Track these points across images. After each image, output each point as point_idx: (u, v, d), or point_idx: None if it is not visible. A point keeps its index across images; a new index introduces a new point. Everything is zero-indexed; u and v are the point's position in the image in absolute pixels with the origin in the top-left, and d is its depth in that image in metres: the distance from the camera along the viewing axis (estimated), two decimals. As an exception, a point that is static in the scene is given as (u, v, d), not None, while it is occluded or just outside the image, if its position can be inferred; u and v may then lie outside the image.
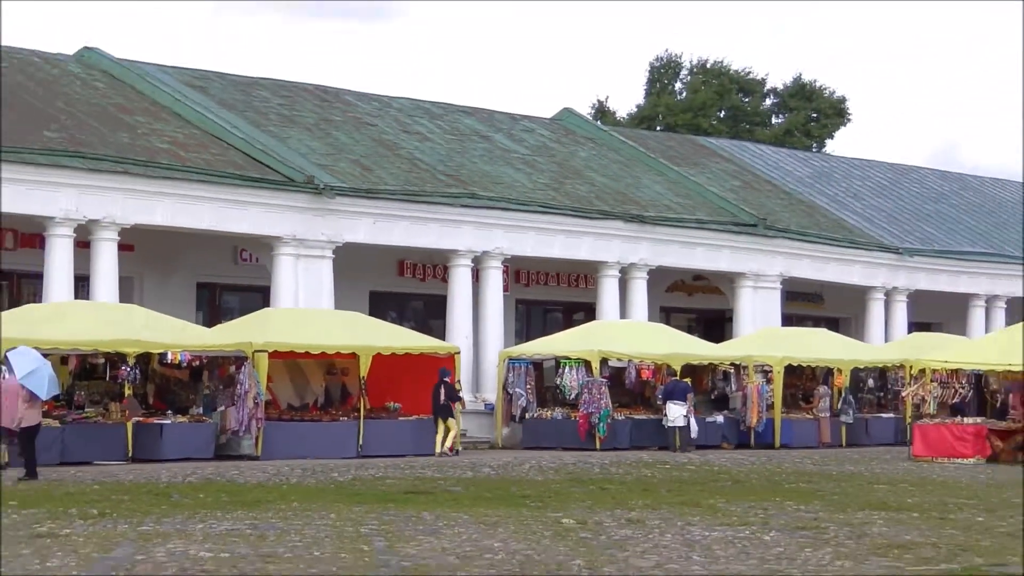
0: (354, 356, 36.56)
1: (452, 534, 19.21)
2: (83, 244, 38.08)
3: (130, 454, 33.02)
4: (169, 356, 34.39)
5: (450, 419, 38.40)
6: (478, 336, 44.72)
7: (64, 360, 32.80)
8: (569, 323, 47.74)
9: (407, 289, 47.71)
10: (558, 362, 42.10)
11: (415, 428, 37.34)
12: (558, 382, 41.84)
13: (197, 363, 35.55)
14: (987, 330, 55.70)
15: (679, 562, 16.94)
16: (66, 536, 18.37)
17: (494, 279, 45.36)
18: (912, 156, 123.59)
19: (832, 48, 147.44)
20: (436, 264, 46.27)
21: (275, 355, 35.83)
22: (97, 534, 18.72)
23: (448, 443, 38.00)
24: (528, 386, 41.84)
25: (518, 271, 48.58)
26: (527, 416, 41.51)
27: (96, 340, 33.20)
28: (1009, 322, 54.18)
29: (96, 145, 39.20)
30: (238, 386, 34.50)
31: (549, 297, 51.46)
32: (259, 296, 41.96)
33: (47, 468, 28.52)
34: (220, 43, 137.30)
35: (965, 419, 40.24)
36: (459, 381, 38.99)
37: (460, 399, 38.52)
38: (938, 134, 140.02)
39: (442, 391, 38.41)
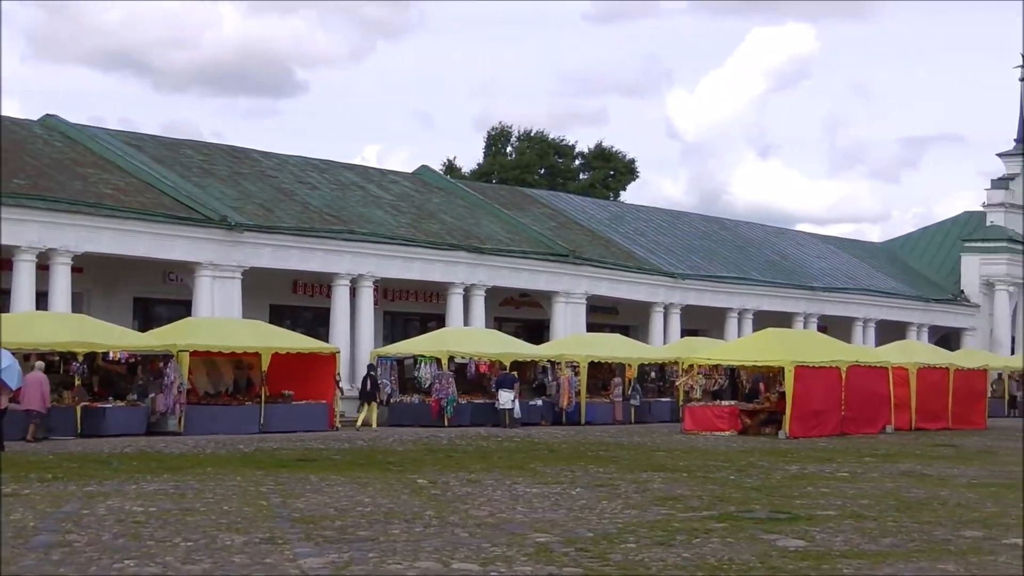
0: (257, 355, 36.14)
1: (332, 492, 18.99)
2: (43, 267, 37.41)
3: (79, 431, 32.29)
4: (111, 354, 33.91)
5: (372, 403, 39.48)
6: (354, 339, 44.47)
7: (27, 357, 31.98)
8: (425, 329, 47.48)
9: (300, 303, 47.26)
10: (416, 359, 41.92)
11: (305, 410, 36.88)
12: (416, 374, 41.68)
13: (133, 360, 35.14)
14: (739, 335, 56.35)
15: (507, 512, 16.84)
16: (26, 495, 17.89)
17: (367, 295, 45.14)
18: (683, 204, 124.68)
19: (627, 121, 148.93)
20: (322, 284, 45.83)
21: (195, 354, 35.33)
22: (51, 493, 18.27)
23: (372, 421, 39.13)
24: (392, 377, 41.66)
25: (385, 289, 48.35)
26: (392, 401, 41.23)
27: (53, 342, 32.67)
28: (755, 329, 54.90)
29: (55, 190, 38.47)
30: (165, 378, 34.04)
31: (409, 309, 51.25)
32: (183, 308, 41.29)
33: (12, 442, 27.78)
34: (154, 112, 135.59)
35: (723, 402, 40.63)
36: (339, 373, 38.72)
37: (339, 386, 38.44)
38: (702, 188, 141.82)
39: (368, 381, 39.68)
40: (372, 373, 40.35)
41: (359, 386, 41.33)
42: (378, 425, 39.43)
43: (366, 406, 39.80)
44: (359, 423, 39.19)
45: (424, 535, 14.52)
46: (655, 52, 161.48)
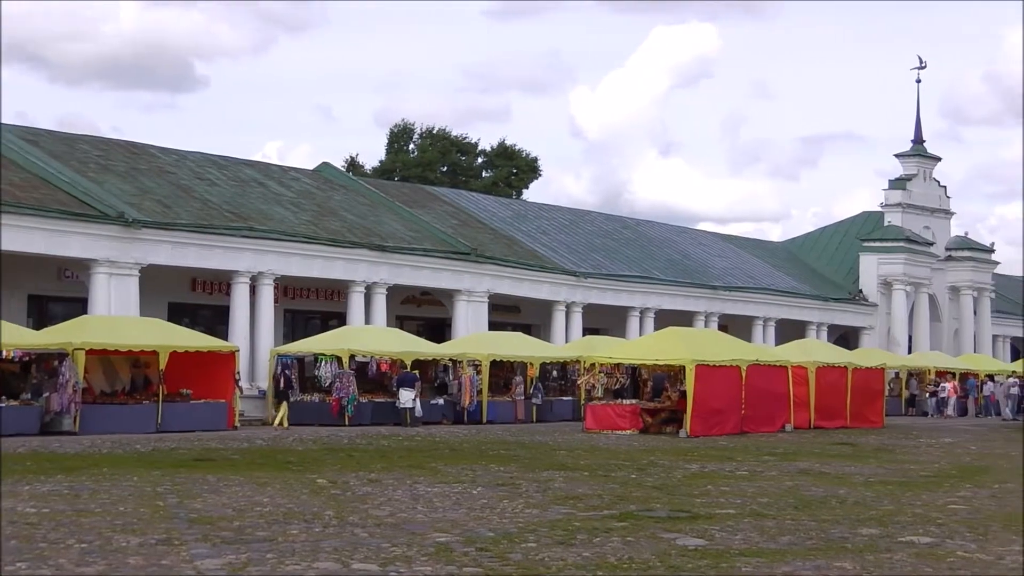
0: (154, 353, 35.74)
1: (231, 492, 18.80)
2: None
3: (-28, 430, 31.74)
4: (4, 353, 33.27)
5: (284, 402, 39.44)
6: (254, 337, 44.14)
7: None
8: (326, 327, 47.24)
9: (198, 301, 46.82)
10: (316, 357, 41.67)
11: (203, 409, 36.52)
12: (316, 373, 41.41)
13: (27, 359, 34.45)
14: (640, 333, 56.66)
15: (407, 512, 16.79)
16: (-85, 497, 17.52)
17: (267, 293, 44.82)
18: (586, 202, 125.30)
19: (530, 119, 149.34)
20: (222, 281, 45.42)
21: (91, 352, 34.88)
22: (-59, 495, 17.89)
23: (285, 420, 39.06)
24: (293, 376, 41.38)
25: (286, 287, 48.02)
26: (292, 399, 40.99)
27: (-55, 340, 32.01)
28: (656, 328, 55.25)
29: (-53, 185, 37.76)
30: (60, 376, 33.56)
31: (310, 307, 50.95)
32: (79, 306, 40.74)
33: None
34: (50, 106, 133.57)
35: (624, 401, 40.84)
36: (239, 372, 38.36)
37: (238, 385, 38.13)
38: (605, 186, 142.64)
39: (282, 379, 39.92)
40: (287, 372, 40.18)
41: (260, 385, 40.95)
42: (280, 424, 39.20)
43: (280, 405, 39.74)
44: (276, 421, 39.13)
45: (323, 535, 14.43)
46: (558, 49, 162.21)
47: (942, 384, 60.07)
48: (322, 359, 41.17)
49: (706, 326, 60.97)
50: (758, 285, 68.38)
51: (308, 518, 15.88)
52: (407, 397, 40.50)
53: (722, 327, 60.62)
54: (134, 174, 45.74)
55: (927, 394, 60.43)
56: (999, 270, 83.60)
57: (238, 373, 38.26)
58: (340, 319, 48.33)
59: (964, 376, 63.53)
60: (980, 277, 78.81)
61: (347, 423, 39.33)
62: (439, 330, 53.29)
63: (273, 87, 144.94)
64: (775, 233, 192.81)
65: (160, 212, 42.65)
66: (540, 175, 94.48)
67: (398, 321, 51.38)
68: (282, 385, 40.14)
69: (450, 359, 44.54)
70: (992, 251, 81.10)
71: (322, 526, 15.21)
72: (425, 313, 54.74)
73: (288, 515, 16.13)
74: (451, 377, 44.24)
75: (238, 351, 38.95)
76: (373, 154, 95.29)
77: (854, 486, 21.62)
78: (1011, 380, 61.57)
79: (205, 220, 43.68)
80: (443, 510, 17.03)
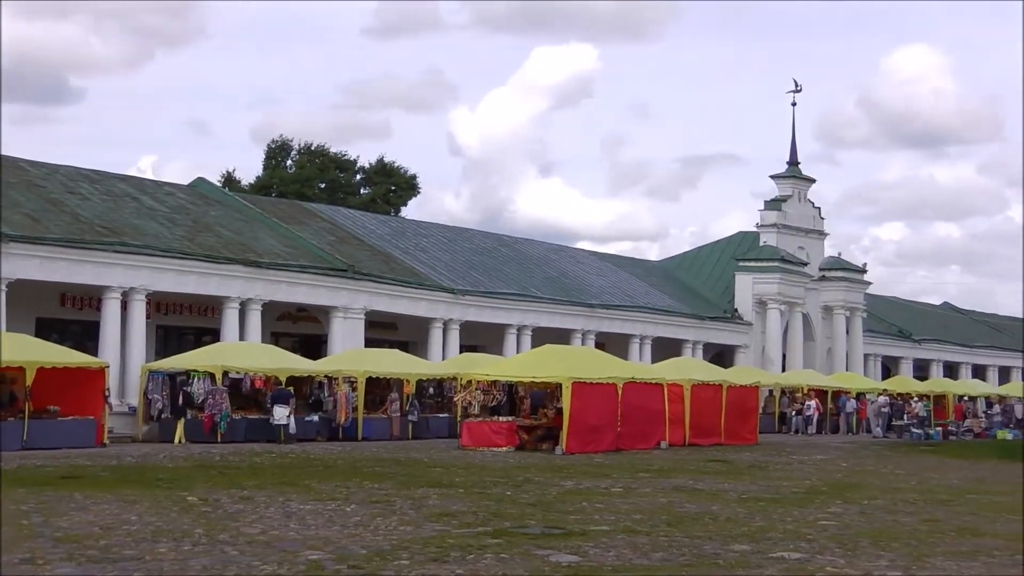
0: (21, 369, 35.07)
1: (98, 510, 18.49)
2: None
3: None
4: None
5: (182, 419, 39.17)
6: (125, 353, 43.46)
7: None
8: (199, 344, 46.67)
9: (68, 316, 46.03)
10: (189, 374, 41.16)
11: (71, 427, 35.94)
12: (188, 390, 40.90)
13: None
14: (517, 351, 56.78)
15: (279, 529, 16.66)
16: None
17: (139, 309, 44.17)
18: (465, 220, 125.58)
19: (410, 136, 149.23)
20: (92, 296, 44.68)
21: (-45, 368, 34.15)
22: None
23: (183, 437, 38.73)
24: (164, 393, 40.86)
25: (159, 303, 47.39)
26: (162, 416, 40.48)
27: None
28: (534, 345, 55.44)
29: None
30: (-77, 393, 32.78)
31: (183, 323, 50.35)
32: (-56, 321, 39.82)
33: None
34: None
35: (500, 418, 40.91)
36: (108, 389, 37.78)
37: (107, 402, 37.54)
38: (484, 204, 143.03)
39: (181, 396, 39.52)
40: (185, 388, 39.73)
41: (130, 402, 40.31)
42: (148, 440, 38.68)
43: (179, 422, 39.32)
44: (176, 440, 38.65)
45: (192, 553, 14.25)
46: (438, 67, 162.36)
47: (807, 402, 61.09)
48: (195, 375, 40.71)
49: (583, 344, 61.28)
50: (635, 303, 68.91)
51: (177, 536, 15.67)
52: (281, 414, 40.19)
53: (599, 345, 60.99)
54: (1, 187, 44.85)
55: (792, 412, 61.43)
56: (871, 290, 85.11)
57: (108, 390, 37.68)
58: (214, 335, 47.81)
59: (836, 394, 64.56)
60: (852, 297, 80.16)
61: (219, 440, 38.91)
62: (315, 347, 52.94)
63: (149, 101, 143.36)
64: (653, 252, 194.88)
65: (28, 226, 41.87)
66: (419, 193, 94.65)
67: (273, 337, 50.96)
68: (181, 401, 39.74)
69: (325, 376, 44.29)
70: (864, 271, 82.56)
71: (191, 544, 15.02)
72: (301, 329, 54.36)
73: (157, 533, 15.91)
74: (326, 394, 44.01)
75: (108, 367, 38.36)
76: (250, 170, 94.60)
77: (727, 503, 21.85)
78: (882, 399, 62.70)
79: (76, 234, 42.97)
80: (316, 527, 16.91)
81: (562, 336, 60.33)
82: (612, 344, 62.93)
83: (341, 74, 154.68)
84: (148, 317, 45.20)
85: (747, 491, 24.57)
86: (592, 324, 63.95)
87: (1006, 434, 59.66)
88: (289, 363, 43.50)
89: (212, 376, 40.40)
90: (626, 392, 40.03)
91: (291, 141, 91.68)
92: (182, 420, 39.55)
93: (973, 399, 73.13)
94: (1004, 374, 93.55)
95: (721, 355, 72.17)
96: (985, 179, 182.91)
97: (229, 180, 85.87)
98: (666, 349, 66.18)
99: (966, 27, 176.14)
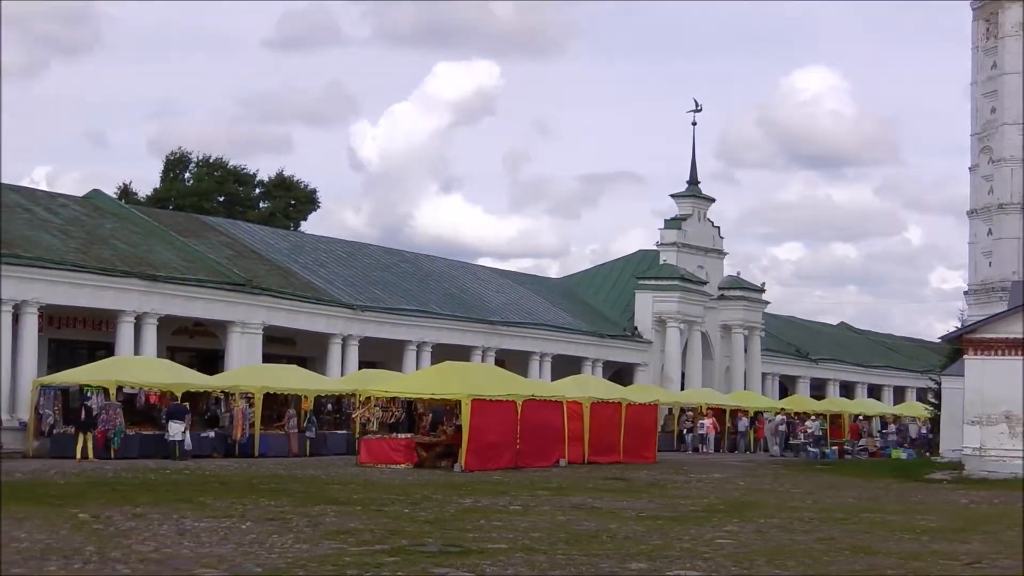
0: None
1: (-15, 527, 18.14)
2: None
3: None
4: None
5: (89, 432, 38.38)
6: (16, 368, 42.71)
7: None
8: (93, 358, 45.99)
9: (-43, 329, 45.20)
10: (82, 389, 40.56)
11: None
12: (89, 404, 40.28)
13: None
14: (417, 367, 56.65)
15: (173, 547, 16.48)
16: None
17: (30, 322, 43.41)
18: (366, 235, 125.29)
19: (310, 150, 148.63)
20: (-18, 309, 43.94)
21: None
22: None
23: (90, 452, 37.92)
24: (55, 408, 40.24)
25: (51, 316, 46.60)
26: (54, 432, 39.88)
27: None
28: (433, 362, 55.35)
29: None
30: None
31: (77, 337, 49.55)
32: None
33: None
34: None
35: (399, 435, 40.84)
36: (-2, 404, 37.23)
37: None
38: (384, 219, 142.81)
39: (84, 411, 38.78)
40: (87, 403, 38.99)
41: (21, 417, 39.75)
42: (38, 456, 38.09)
43: (81, 436, 38.49)
44: (78, 455, 37.82)
45: (83, 572, 14.06)
46: (339, 82, 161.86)
47: (700, 421, 61.60)
48: (88, 390, 40.14)
49: (483, 360, 61.30)
50: (535, 320, 69.05)
51: (68, 554, 15.45)
52: (176, 430, 39.76)
53: (499, 362, 61.02)
54: None
55: (686, 430, 61.93)
56: (769, 309, 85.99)
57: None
58: (108, 349, 47.14)
59: (734, 413, 65.10)
60: (751, 316, 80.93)
61: (113, 456, 38.40)
62: (211, 362, 52.44)
63: (43, 111, 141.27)
64: (554, 269, 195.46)
65: (-82, 235, 41.13)
66: (319, 207, 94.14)
67: (169, 352, 50.39)
68: (84, 416, 38.89)
69: (222, 391, 43.91)
70: (763, 291, 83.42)
71: (82, 562, 14.81)
72: (197, 344, 53.82)
73: (46, 551, 15.66)
74: (223, 409, 43.66)
75: (-2, 382, 37.78)
76: (147, 182, 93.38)
77: (625, 521, 21.96)
78: (779, 417, 63.42)
79: (-34, 245, 42.24)
80: (210, 545, 16.75)
81: (462, 353, 60.27)
82: (512, 361, 62.98)
83: (241, 87, 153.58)
84: (40, 331, 44.45)
85: (645, 509, 24.72)
86: (492, 341, 63.97)
87: (900, 453, 60.61)
88: (185, 378, 43.06)
89: (106, 391, 39.88)
90: (525, 409, 40.09)
91: (190, 154, 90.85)
92: (86, 435, 38.61)
93: (868, 418, 74.24)
94: (899, 394, 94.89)
95: (620, 373, 72.49)
96: (881, 200, 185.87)
97: (126, 192, 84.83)
98: (566, 367, 66.35)
99: (864, 51, 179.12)
